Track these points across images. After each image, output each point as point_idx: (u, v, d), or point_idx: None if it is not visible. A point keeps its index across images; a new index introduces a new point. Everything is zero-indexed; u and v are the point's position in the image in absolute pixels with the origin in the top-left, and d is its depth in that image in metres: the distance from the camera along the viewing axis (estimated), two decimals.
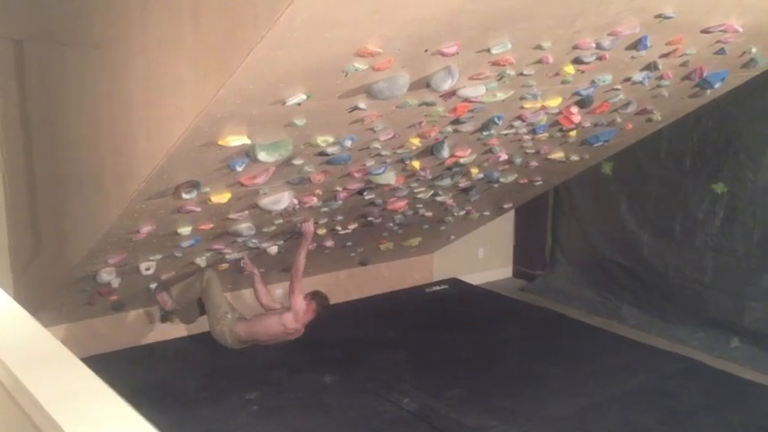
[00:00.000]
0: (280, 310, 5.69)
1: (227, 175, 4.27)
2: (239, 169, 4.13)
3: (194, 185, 4.25)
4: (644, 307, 7.18)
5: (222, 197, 4.52)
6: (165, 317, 5.92)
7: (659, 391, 5.52)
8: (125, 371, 5.41)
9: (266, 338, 5.68)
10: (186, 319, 6.10)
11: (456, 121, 4.65)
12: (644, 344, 6.49)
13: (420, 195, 5.91)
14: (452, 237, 7.65)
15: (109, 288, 5.38)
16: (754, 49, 4.85)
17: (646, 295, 7.18)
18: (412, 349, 6.28)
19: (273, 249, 5.87)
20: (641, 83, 4.82)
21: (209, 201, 4.51)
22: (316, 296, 5.63)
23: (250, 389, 5.44)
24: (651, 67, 4.65)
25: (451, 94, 4.14)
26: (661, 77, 4.88)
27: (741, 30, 4.36)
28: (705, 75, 5.00)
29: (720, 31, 4.30)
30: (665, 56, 4.54)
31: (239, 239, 5.39)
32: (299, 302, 5.55)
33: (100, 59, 4.16)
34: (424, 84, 3.90)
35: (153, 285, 5.69)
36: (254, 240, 5.54)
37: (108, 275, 5.15)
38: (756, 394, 5.53)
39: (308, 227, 5.61)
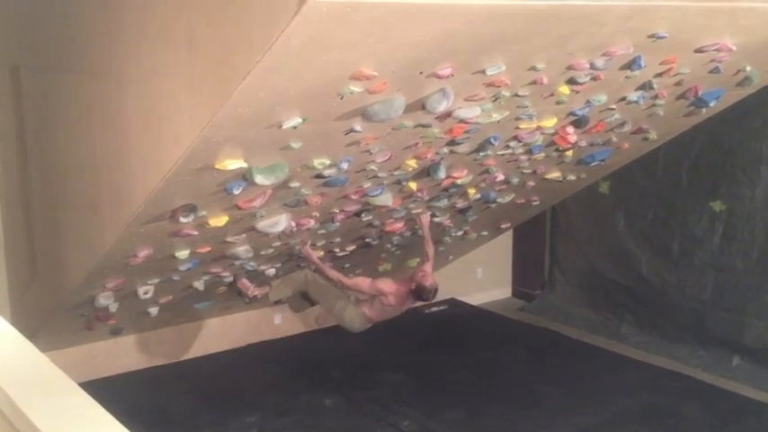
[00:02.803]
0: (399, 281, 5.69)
1: (224, 199, 4.27)
2: (236, 192, 4.13)
3: (191, 209, 4.25)
4: (644, 326, 7.15)
5: (219, 220, 4.52)
6: (249, 302, 5.92)
7: (660, 410, 5.49)
8: (123, 395, 5.36)
9: (391, 314, 5.78)
10: (295, 307, 6.13)
11: (452, 143, 4.66)
12: (644, 363, 6.47)
13: None
14: (451, 257, 7.64)
15: (107, 312, 5.36)
16: (748, 68, 4.87)
17: (645, 314, 7.15)
18: (411, 371, 6.26)
19: (271, 272, 5.86)
20: (636, 102, 4.84)
21: (207, 224, 4.51)
22: (415, 278, 5.60)
23: (250, 412, 5.42)
24: (646, 86, 4.66)
25: (447, 115, 4.15)
26: (656, 97, 4.89)
27: (735, 48, 4.37)
28: (700, 94, 5.01)
29: (714, 50, 4.32)
30: (659, 75, 4.56)
31: (237, 262, 5.39)
32: (378, 287, 5.57)
33: (96, 85, 4.17)
34: (420, 106, 3.91)
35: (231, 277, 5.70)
36: (251, 263, 5.53)
37: (106, 300, 5.14)
38: (758, 412, 5.51)
39: (306, 250, 5.60)
